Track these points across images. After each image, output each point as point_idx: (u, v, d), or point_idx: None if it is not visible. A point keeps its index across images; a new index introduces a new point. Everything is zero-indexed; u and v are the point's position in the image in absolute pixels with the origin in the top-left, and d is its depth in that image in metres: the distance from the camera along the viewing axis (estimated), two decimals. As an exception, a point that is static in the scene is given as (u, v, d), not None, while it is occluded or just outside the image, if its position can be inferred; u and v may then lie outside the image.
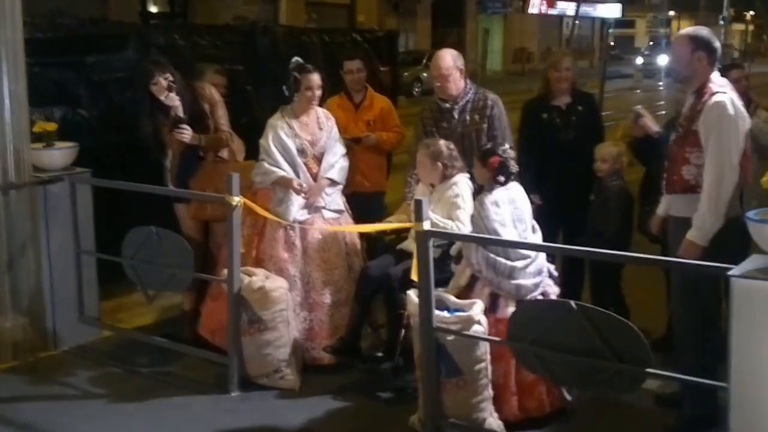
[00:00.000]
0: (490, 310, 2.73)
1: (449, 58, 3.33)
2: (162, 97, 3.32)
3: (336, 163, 3.39)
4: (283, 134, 3.32)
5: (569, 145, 3.49)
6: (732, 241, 2.44)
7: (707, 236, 2.51)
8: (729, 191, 2.50)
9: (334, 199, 3.40)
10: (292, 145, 3.31)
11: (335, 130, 3.44)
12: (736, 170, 2.52)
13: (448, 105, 3.37)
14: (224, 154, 3.55)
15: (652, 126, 3.08)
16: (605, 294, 3.42)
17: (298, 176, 3.30)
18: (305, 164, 3.34)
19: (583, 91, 3.79)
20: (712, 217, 2.50)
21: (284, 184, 3.28)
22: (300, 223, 3.29)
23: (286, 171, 3.28)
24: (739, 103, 2.57)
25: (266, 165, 3.31)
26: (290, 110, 3.39)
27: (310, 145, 3.35)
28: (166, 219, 3.48)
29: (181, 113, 3.34)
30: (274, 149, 3.30)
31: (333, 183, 3.39)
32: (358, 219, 3.49)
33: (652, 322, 3.23)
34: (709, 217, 2.50)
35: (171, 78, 3.33)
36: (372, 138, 3.83)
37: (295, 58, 3.45)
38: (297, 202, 3.29)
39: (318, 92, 3.35)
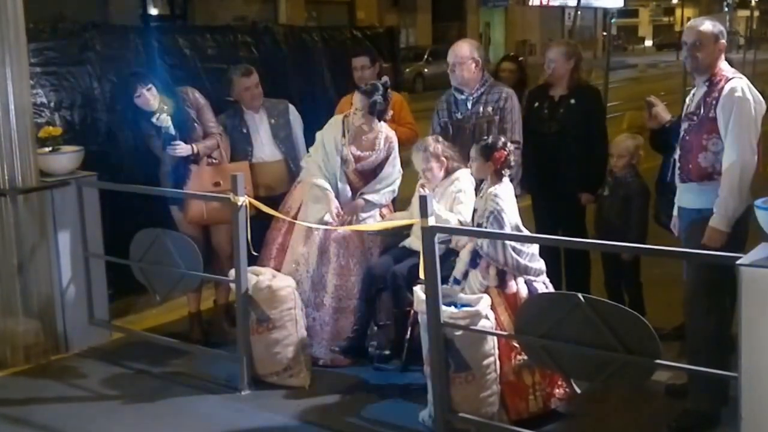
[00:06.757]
0: (500, 286, 2.74)
1: (466, 47, 3.39)
2: (153, 120, 3.33)
3: (382, 189, 3.35)
4: (334, 138, 3.32)
5: (552, 137, 3.45)
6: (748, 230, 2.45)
7: (731, 221, 2.51)
8: (750, 174, 2.52)
9: (371, 216, 3.36)
10: (337, 153, 3.31)
11: (394, 155, 3.37)
12: (756, 153, 2.53)
13: (463, 96, 3.41)
14: (215, 154, 3.56)
15: (665, 115, 3.05)
16: (619, 293, 3.38)
17: (336, 183, 3.31)
18: (346, 174, 3.33)
19: (585, 85, 3.70)
20: (735, 201, 2.50)
21: (323, 197, 3.28)
22: (324, 224, 3.28)
23: (325, 173, 3.30)
24: (754, 88, 2.59)
25: (313, 165, 3.35)
26: (354, 118, 3.34)
27: (354, 160, 3.32)
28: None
29: (172, 131, 3.35)
30: (320, 148, 3.34)
31: (370, 204, 3.34)
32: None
33: (669, 311, 3.21)
34: (732, 201, 2.50)
35: (153, 89, 3.31)
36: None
37: (371, 83, 3.35)
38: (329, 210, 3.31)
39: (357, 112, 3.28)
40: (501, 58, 4.26)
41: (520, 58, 4.24)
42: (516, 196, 2.92)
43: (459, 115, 3.39)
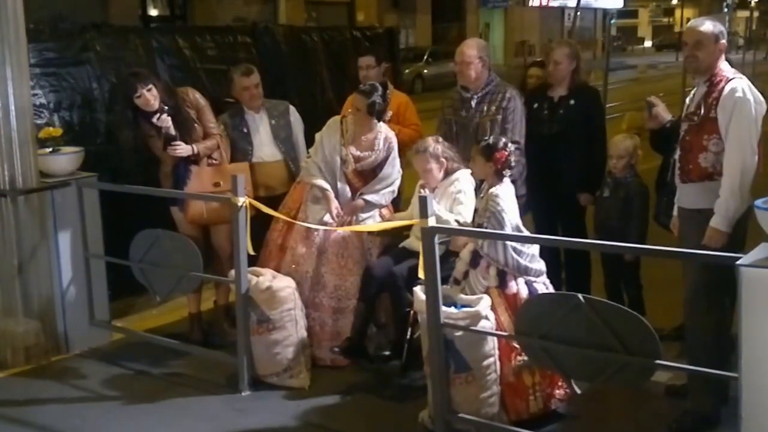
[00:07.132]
0: (500, 286, 2.74)
1: (474, 47, 3.43)
2: (154, 120, 3.34)
3: (382, 189, 3.35)
4: (333, 139, 3.32)
5: (553, 138, 3.46)
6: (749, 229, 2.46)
7: (731, 222, 2.52)
8: (751, 175, 2.53)
9: (371, 216, 3.36)
10: (336, 153, 3.31)
11: (393, 155, 3.37)
12: (756, 154, 2.54)
13: (468, 94, 3.44)
14: (215, 155, 3.56)
15: (666, 115, 3.06)
16: (619, 293, 3.39)
17: (336, 184, 3.31)
18: (345, 175, 3.34)
19: (584, 85, 3.72)
20: (736, 201, 2.51)
21: (323, 197, 3.29)
22: (324, 224, 3.28)
23: (324, 174, 3.30)
24: (754, 89, 2.59)
25: (313, 165, 3.35)
26: (353, 119, 3.35)
27: (354, 160, 3.32)
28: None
29: (172, 131, 3.35)
30: (320, 149, 3.34)
31: (370, 204, 3.34)
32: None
33: (669, 311, 3.22)
34: (732, 202, 2.50)
35: (153, 89, 3.30)
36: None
37: (370, 84, 3.36)
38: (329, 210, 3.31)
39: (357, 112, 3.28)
40: (530, 64, 4.36)
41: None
42: (518, 197, 2.92)
43: (463, 113, 3.42)
